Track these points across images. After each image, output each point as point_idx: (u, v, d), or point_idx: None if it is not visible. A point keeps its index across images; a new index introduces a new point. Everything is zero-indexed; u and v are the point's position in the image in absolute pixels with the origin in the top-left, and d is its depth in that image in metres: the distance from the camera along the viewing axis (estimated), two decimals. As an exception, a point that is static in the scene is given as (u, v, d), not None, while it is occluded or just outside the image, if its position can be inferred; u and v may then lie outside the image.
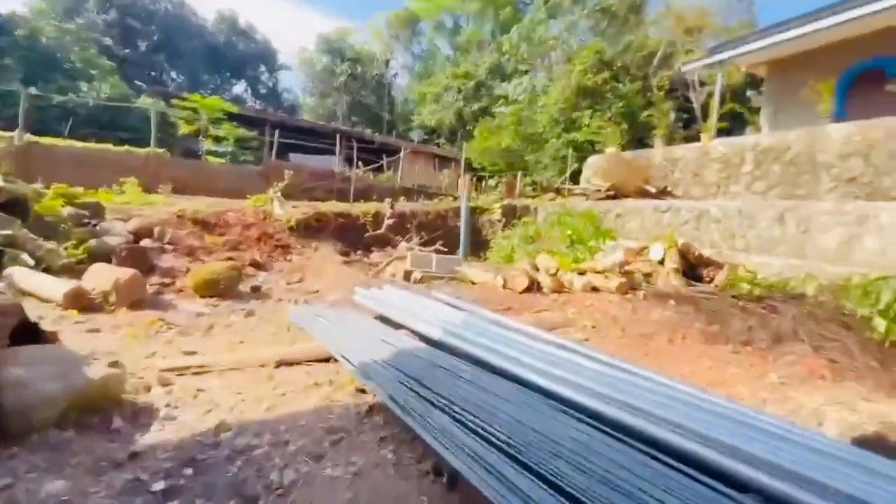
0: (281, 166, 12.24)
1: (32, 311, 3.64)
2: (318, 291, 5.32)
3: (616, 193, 10.47)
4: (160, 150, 12.80)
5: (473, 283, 6.45)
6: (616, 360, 2.73)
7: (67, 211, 5.54)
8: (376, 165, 18.63)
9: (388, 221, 9.62)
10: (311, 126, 22.41)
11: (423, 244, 9.75)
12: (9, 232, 4.65)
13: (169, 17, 30.73)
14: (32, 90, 13.54)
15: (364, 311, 4.31)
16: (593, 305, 5.11)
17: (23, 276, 4.17)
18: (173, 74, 34.09)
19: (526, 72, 26.00)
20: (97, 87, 17.41)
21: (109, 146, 12.37)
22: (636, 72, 21.83)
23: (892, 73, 10.39)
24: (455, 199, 14.40)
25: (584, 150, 20.54)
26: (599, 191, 10.99)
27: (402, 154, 17.21)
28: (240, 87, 38.14)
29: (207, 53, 32.52)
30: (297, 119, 27.04)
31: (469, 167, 21.67)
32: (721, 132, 11.73)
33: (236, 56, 35.09)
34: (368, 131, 27.93)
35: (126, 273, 4.16)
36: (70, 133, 14.10)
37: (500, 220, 11.59)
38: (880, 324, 3.62)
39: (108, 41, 26.55)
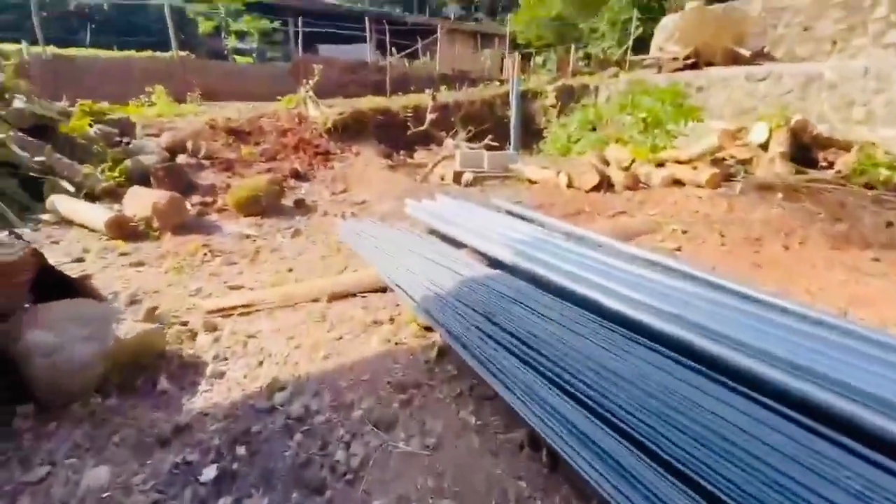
0: (310, 61, 11.17)
1: (79, 242, 3.51)
2: (364, 202, 4.91)
3: (697, 60, 8.77)
4: (184, 53, 11.99)
5: (532, 181, 5.77)
6: (735, 282, 2.17)
7: (96, 129, 5.22)
8: (411, 50, 16.82)
9: (430, 116, 8.72)
10: (338, 10, 20.22)
11: (471, 139, 8.89)
12: (42, 158, 4.43)
13: None
14: (45, -5, 12.69)
15: (418, 226, 3.88)
16: (678, 204, 4.38)
17: (66, 204, 4.01)
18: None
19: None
20: (108, -14, 16.17)
21: (133, 53, 11.71)
22: None
23: None
24: (502, 83, 12.87)
25: (652, 9, 17.35)
26: (676, 59, 9.25)
27: (438, 35, 15.26)
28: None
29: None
30: (321, 3, 24.53)
31: (514, 44, 19.18)
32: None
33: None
34: (399, 10, 25.01)
35: (163, 196, 3.89)
36: (91, 42, 13.46)
37: (554, 105, 10.27)
38: None
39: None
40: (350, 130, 7.46)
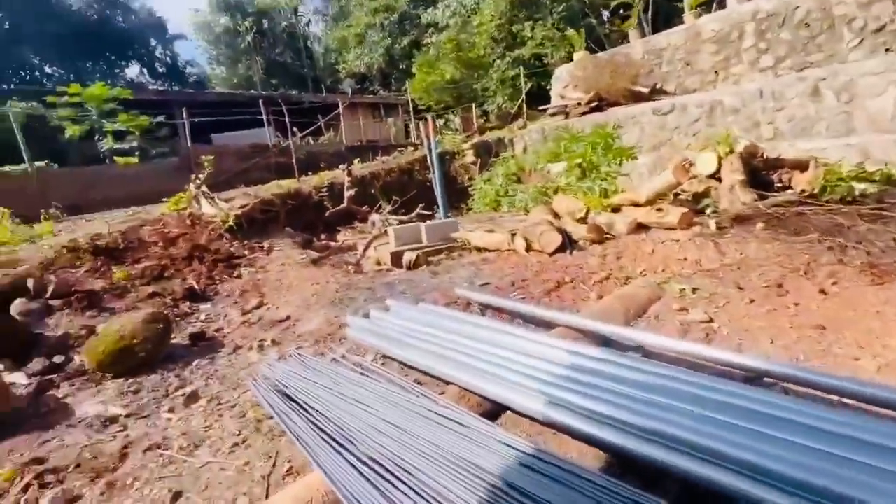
0: (201, 151, 10.00)
1: None
2: (287, 319, 3.76)
3: (601, 103, 9.03)
4: (41, 164, 10.18)
5: (483, 249, 5.03)
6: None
7: None
8: (314, 128, 16.22)
9: (348, 193, 7.88)
10: (227, 98, 19.32)
11: (396, 210, 8.16)
12: None
13: (27, 1, 25.13)
14: None
15: (368, 354, 2.85)
16: (658, 253, 3.83)
17: None
18: (48, 69, 28.80)
19: (449, -8, 23.15)
20: (-59, 101, 13.83)
21: (-30, 172, 9.68)
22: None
23: None
24: (415, 147, 12.57)
25: (533, 66, 18.70)
26: (579, 104, 9.50)
27: (339, 109, 14.88)
28: (133, 70, 32.85)
29: (81, 36, 27.25)
30: (207, 93, 23.54)
31: (415, 110, 19.49)
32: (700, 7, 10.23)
33: (116, 33, 29.68)
34: (294, 92, 24.77)
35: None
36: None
37: (474, 163, 10.00)
38: None
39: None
40: (257, 224, 6.34)
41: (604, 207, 4.74)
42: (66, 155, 14.65)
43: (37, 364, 3.27)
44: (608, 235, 4.45)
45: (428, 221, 6.26)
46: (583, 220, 4.73)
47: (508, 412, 2.01)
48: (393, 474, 1.65)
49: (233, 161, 10.89)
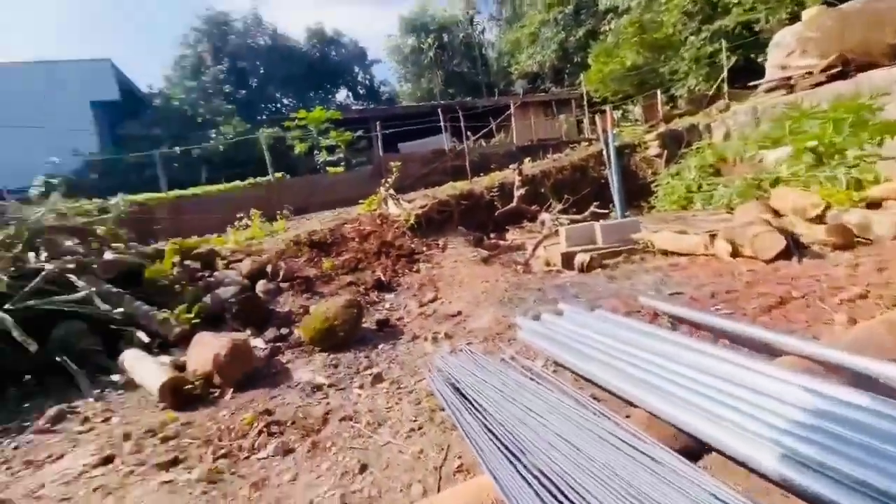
0: (390, 159, 11.34)
1: (126, 422, 2.88)
2: (459, 314, 3.89)
3: (846, 68, 6.97)
4: (278, 175, 12.99)
5: (670, 253, 4.37)
6: None
7: (178, 268, 5.06)
8: (485, 131, 16.82)
9: (518, 192, 7.85)
10: (411, 110, 21.53)
11: (566, 209, 7.78)
12: (121, 309, 4.18)
13: (268, 49, 32.77)
14: (175, 149, 14.97)
15: (538, 358, 2.71)
16: (955, 265, 2.69)
17: (133, 362, 3.56)
18: (285, 101, 36.64)
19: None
20: (223, 132, 18.88)
21: (238, 183, 12.93)
22: None
23: None
24: (590, 143, 11.87)
25: (738, 37, 15.71)
26: (809, 73, 7.52)
27: (511, 109, 15.04)
28: (342, 94, 39.48)
29: (307, 71, 33.99)
30: (395, 108, 26.61)
31: (590, 103, 18.44)
32: None
33: (331, 65, 36.10)
34: (468, 99, 26.12)
35: (224, 346, 3.24)
36: (208, 179, 15.37)
37: (659, 155, 8.89)
38: None
39: (227, 88, 29.35)
40: (434, 223, 6.80)
41: (853, 202, 3.59)
42: (295, 168, 18.32)
43: (270, 333, 4.09)
44: (861, 239, 3.36)
45: (603, 221, 5.77)
46: (818, 220, 3.68)
47: (714, 454, 1.63)
48: (566, 496, 1.49)
49: (416, 166, 12.04)
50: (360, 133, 16.97)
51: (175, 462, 2.27)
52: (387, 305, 4.53)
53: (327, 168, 16.97)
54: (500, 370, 2.50)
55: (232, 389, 3.11)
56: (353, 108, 30.86)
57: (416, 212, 6.73)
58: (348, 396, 2.79)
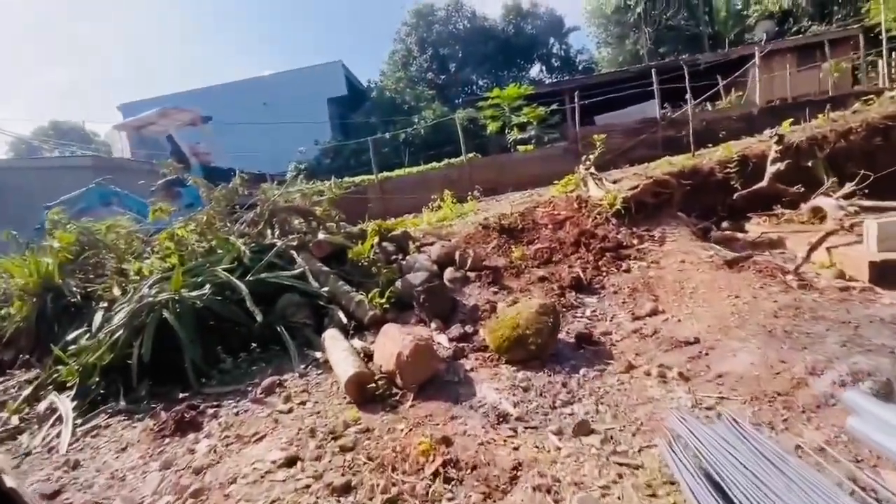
0: (587, 133, 10.10)
1: (317, 413, 2.86)
2: (696, 342, 2.80)
3: None
4: (470, 156, 13.07)
5: None
6: None
7: (376, 249, 5.19)
8: (710, 93, 13.64)
9: (772, 168, 5.80)
10: (612, 77, 19.17)
11: (854, 192, 5.39)
12: (327, 288, 4.43)
13: (466, 33, 33.87)
14: (385, 134, 16.66)
15: (886, 469, 1.54)
16: None
17: (329, 343, 3.66)
18: (480, 82, 37.57)
19: None
20: (424, 116, 20.24)
21: (434, 164, 13.55)
22: None
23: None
24: (876, 97, 8.24)
25: None
26: None
27: (756, 59, 11.67)
28: (535, 70, 38.35)
29: (501, 49, 34.03)
30: (592, 76, 24.26)
31: (872, 40, 13.08)
32: None
33: (525, 40, 35.25)
34: (685, 56, 21.93)
35: (408, 346, 2.96)
36: (410, 161, 16.66)
37: None
38: None
39: (430, 75, 31.62)
40: (647, 208, 5.52)
41: None
42: (486, 147, 18.42)
43: (455, 330, 3.73)
44: None
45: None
46: None
47: None
48: None
49: (618, 140, 10.47)
50: (553, 107, 15.87)
51: (347, 489, 2.00)
52: (587, 312, 3.70)
53: (518, 146, 16.50)
54: (801, 476, 1.47)
55: (412, 396, 2.82)
56: (546, 82, 29.56)
57: (623, 194, 5.56)
58: (543, 443, 2.14)
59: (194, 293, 3.99)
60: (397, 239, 5.61)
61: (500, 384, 2.81)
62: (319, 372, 3.46)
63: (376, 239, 5.43)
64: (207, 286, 4.11)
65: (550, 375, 2.80)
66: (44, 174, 12.91)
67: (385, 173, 13.70)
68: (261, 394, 3.20)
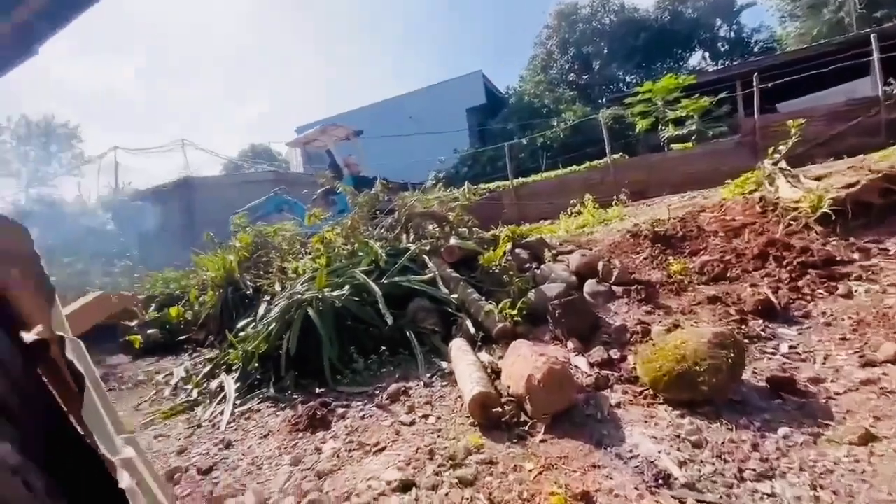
0: (769, 121, 8.25)
1: (437, 431, 2.64)
2: None
3: None
4: (616, 157, 11.89)
5: None
6: None
7: (510, 257, 4.86)
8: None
9: None
10: (800, 55, 15.66)
11: None
12: (456, 295, 4.27)
13: (612, 27, 31.56)
14: (521, 140, 16.33)
15: None
16: None
17: (456, 354, 3.45)
18: (627, 79, 34.65)
19: None
20: (564, 118, 19.32)
21: (574, 168, 12.70)
22: None
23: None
24: None
25: None
26: None
27: None
28: (695, 59, 33.84)
29: (656, 39, 30.84)
30: (772, 56, 20.24)
31: None
32: None
33: (684, 26, 31.34)
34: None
35: (541, 369, 2.56)
36: (548, 165, 15.97)
37: None
38: None
39: (571, 76, 30.25)
40: (871, 213, 4.11)
41: None
42: (634, 147, 16.73)
43: (596, 353, 3.18)
44: None
45: None
46: None
47: None
48: None
49: (816, 127, 8.34)
50: (722, 95, 13.61)
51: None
52: (783, 348, 2.79)
53: (671, 144, 14.56)
54: None
55: (544, 428, 2.41)
56: (710, 70, 25.76)
57: (832, 194, 4.24)
58: (726, 533, 1.55)
59: (335, 293, 4.20)
60: (532, 246, 5.21)
61: (659, 432, 2.22)
62: (444, 384, 3.27)
63: (509, 245, 5.12)
64: (347, 287, 4.29)
65: (732, 430, 2.11)
66: (241, 187, 15.81)
67: (521, 179, 13.36)
68: (386, 399, 3.14)
